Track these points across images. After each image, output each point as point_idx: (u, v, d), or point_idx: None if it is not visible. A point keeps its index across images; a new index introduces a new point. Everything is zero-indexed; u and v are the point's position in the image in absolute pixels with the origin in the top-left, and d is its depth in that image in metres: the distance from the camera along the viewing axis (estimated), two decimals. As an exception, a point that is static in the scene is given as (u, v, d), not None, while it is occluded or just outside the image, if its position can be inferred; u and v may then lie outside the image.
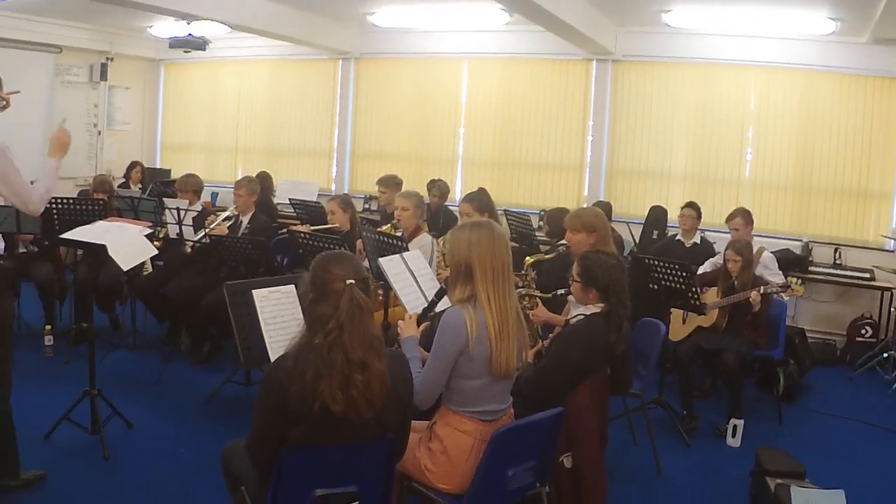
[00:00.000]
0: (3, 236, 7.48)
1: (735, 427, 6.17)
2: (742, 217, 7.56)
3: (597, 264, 4.27)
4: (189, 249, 7.39)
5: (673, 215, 9.12)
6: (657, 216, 9.47)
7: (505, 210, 9.36)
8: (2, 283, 4.70)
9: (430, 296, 4.23)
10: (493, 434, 3.40)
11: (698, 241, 8.23)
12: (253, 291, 4.41)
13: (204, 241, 7.37)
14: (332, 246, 6.19)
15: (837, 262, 9.25)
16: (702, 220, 8.34)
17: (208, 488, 4.86)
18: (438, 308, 4.04)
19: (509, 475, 3.50)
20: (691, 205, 8.26)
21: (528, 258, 5.72)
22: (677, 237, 8.38)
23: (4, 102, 4.70)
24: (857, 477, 5.56)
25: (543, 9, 7.62)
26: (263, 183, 9.77)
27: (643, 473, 5.57)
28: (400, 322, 3.97)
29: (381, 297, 5.46)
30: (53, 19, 11.51)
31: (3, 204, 7.13)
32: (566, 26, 8.49)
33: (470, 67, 11.39)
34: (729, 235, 7.55)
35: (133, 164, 11.77)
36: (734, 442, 6.16)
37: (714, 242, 8.27)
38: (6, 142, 4.49)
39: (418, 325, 3.95)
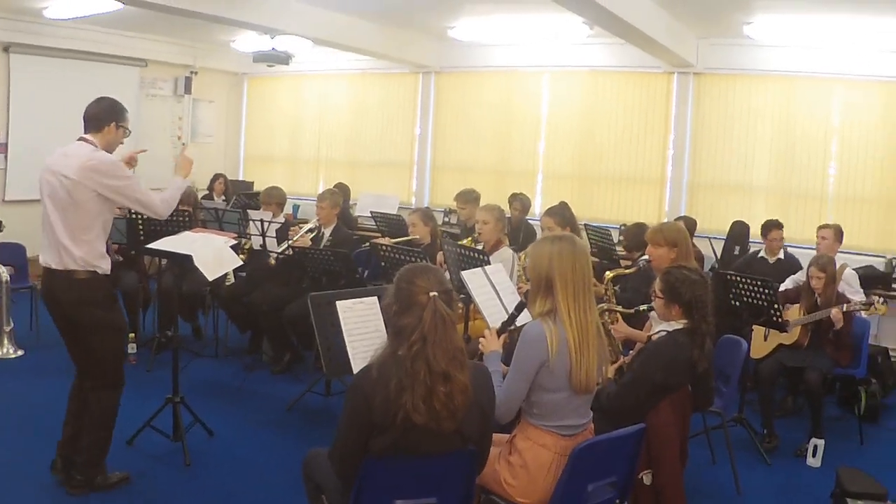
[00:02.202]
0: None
1: (816, 447, 6.05)
2: (834, 231, 7.49)
3: (680, 280, 4.23)
4: (272, 261, 7.50)
5: (755, 230, 8.99)
6: (739, 231, 9.36)
7: (585, 224, 9.32)
8: (111, 293, 4.89)
9: (512, 309, 4.23)
10: (574, 449, 3.38)
11: (782, 257, 8.10)
12: (337, 303, 4.45)
13: (287, 252, 7.48)
14: (413, 258, 6.22)
15: (924, 279, 8.98)
16: (784, 235, 8.19)
17: (288, 496, 4.96)
18: (518, 322, 4.04)
19: (589, 490, 3.48)
20: (778, 225, 8.11)
21: (608, 273, 5.68)
22: (760, 254, 8.25)
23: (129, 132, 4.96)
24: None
25: (625, 21, 7.60)
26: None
27: (722, 492, 5.50)
28: (482, 339, 3.97)
29: (461, 310, 5.45)
30: (139, 34, 11.82)
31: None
32: (647, 38, 8.46)
33: (550, 80, 11.38)
34: (811, 251, 7.46)
35: (216, 177, 12.03)
36: (814, 462, 6.04)
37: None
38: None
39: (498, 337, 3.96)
